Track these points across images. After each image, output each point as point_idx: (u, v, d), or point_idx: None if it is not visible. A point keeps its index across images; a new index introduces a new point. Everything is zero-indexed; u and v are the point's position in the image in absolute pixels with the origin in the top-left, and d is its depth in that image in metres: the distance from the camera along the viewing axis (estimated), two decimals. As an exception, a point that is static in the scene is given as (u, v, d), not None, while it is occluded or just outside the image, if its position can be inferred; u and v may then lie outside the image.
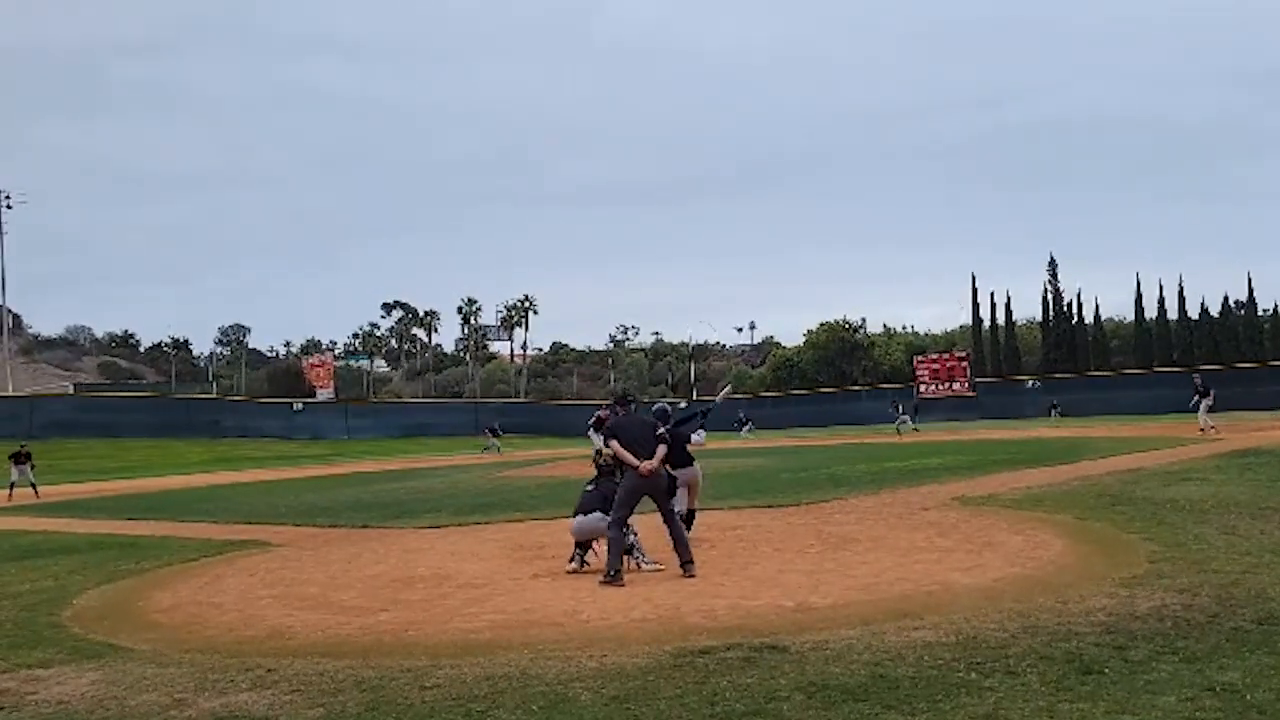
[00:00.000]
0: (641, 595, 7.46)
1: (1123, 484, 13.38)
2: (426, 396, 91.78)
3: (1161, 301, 69.74)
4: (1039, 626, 5.71)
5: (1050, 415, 49.54)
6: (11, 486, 25.28)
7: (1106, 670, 4.77)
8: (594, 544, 8.88)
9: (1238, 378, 49.33)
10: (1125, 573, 7.19)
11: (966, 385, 59.98)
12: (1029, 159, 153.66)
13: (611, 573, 8.01)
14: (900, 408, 43.54)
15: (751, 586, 7.62)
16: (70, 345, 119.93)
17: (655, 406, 9.90)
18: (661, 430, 8.57)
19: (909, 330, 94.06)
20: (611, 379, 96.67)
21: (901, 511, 11.99)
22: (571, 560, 8.90)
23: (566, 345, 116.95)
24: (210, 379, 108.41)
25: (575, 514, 8.96)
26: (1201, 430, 25.59)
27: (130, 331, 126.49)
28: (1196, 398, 27.26)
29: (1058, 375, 60.86)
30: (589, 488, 9.05)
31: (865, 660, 5.18)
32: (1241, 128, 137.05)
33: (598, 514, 8.63)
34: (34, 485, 25.18)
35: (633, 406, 9.20)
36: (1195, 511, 10.23)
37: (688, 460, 9.60)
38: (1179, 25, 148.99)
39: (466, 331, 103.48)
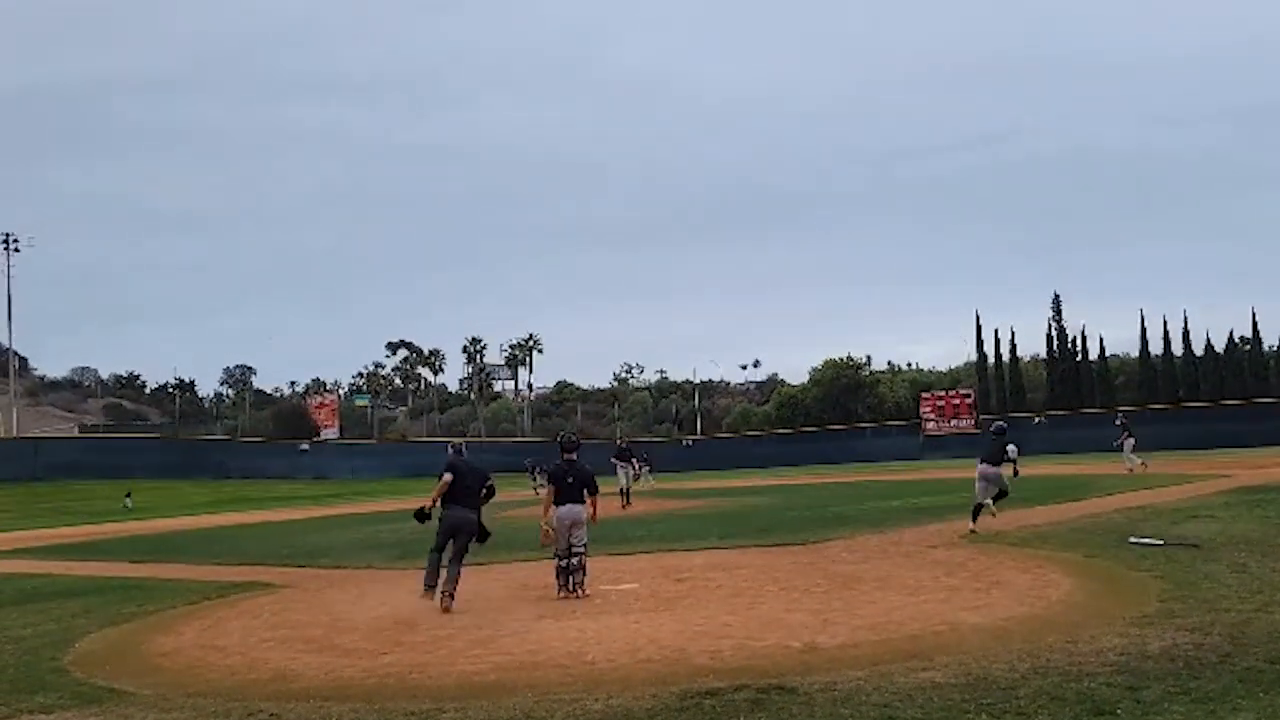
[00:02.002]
0: (647, 636, 7.40)
1: (1131, 521, 13.29)
2: (431, 436, 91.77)
3: (1166, 338, 69.64)
4: (1049, 667, 5.66)
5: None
6: None
7: (1118, 711, 4.71)
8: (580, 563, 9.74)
9: (1243, 414, 49.18)
10: (1135, 612, 7.13)
11: (971, 422, 59.81)
12: (1032, 195, 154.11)
13: (442, 594, 9.14)
14: (636, 463, 42.48)
15: (758, 626, 7.56)
16: (75, 387, 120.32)
17: (994, 424, 14.39)
18: (491, 481, 9.89)
19: (914, 367, 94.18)
20: (616, 418, 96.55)
21: (908, 550, 11.91)
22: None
23: (571, 384, 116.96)
24: (215, 419, 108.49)
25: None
26: (1129, 471, 25.20)
27: (135, 373, 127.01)
28: (1126, 437, 26.79)
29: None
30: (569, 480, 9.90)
31: (875, 702, 5.13)
32: (1245, 162, 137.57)
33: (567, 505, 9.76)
34: None
35: (462, 453, 10.42)
36: (1205, 549, 10.15)
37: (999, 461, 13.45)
38: (1181, 60, 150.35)
39: (471, 371, 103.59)
